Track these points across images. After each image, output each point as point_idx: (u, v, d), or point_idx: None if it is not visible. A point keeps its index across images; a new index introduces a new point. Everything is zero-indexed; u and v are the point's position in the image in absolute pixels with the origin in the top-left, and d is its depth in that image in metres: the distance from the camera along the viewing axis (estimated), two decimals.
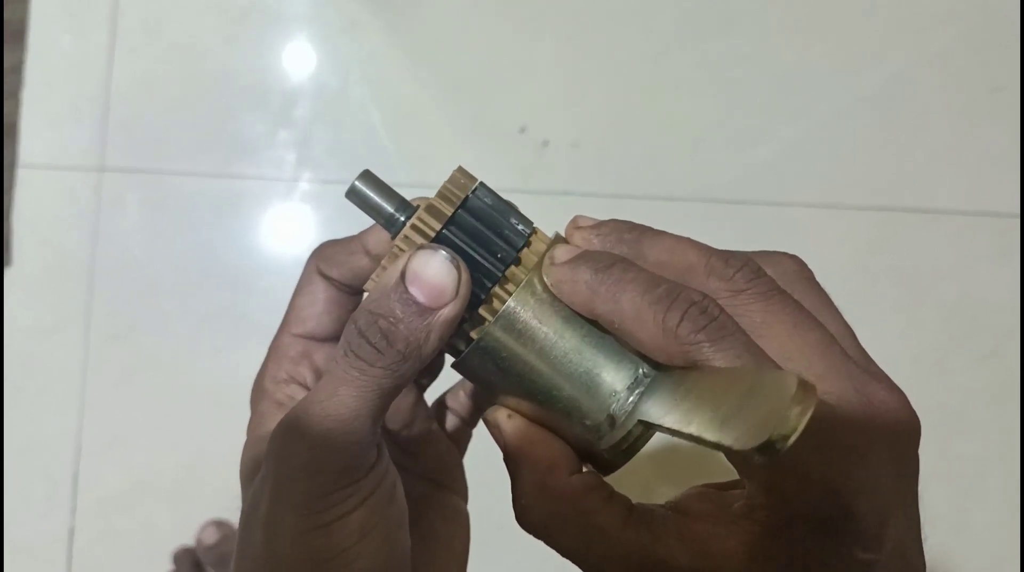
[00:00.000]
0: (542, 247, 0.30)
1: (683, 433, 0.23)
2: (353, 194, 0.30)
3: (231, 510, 1.01)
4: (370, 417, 0.27)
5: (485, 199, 0.30)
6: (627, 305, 0.26)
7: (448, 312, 0.27)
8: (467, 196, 0.30)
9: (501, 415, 0.30)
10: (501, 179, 1.06)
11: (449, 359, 0.32)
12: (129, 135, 1.04)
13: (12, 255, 1.01)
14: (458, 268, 0.27)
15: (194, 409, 1.02)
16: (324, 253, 0.33)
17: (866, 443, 0.25)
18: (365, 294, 0.29)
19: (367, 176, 0.30)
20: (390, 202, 0.30)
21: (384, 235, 0.31)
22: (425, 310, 0.27)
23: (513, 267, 0.29)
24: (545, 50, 1.08)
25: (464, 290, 0.27)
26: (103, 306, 1.02)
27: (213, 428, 1.02)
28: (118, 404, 1.01)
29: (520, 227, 0.30)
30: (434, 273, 0.27)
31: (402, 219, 0.30)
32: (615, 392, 0.28)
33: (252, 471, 0.31)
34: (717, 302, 0.26)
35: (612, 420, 0.28)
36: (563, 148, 1.05)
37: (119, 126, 1.04)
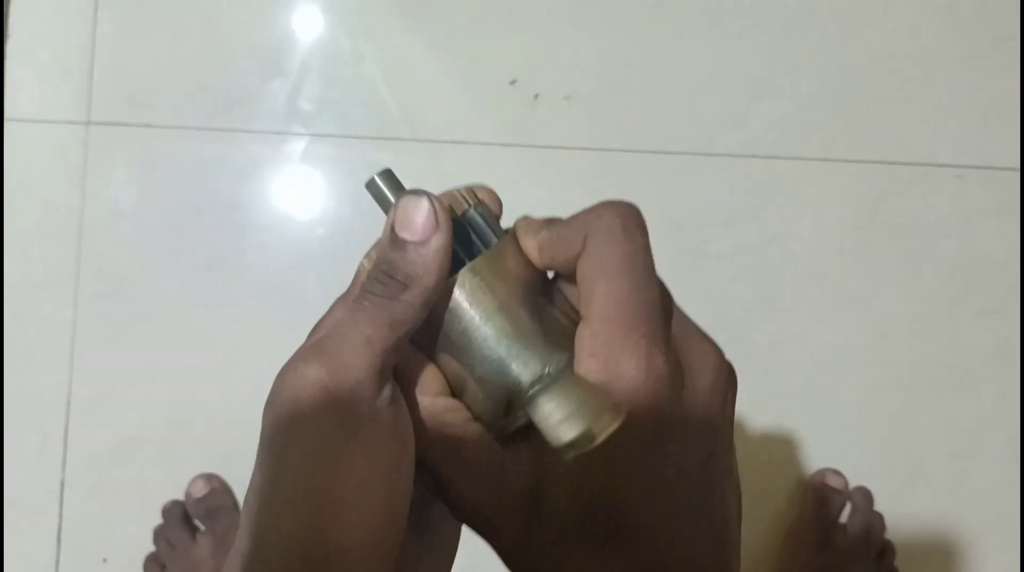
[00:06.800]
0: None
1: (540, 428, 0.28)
2: (371, 187, 0.33)
3: (220, 464, 1.01)
4: (382, 346, 0.29)
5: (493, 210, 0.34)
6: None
7: (437, 241, 0.30)
8: (479, 200, 0.33)
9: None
10: (491, 133, 1.04)
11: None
12: (116, 88, 1.02)
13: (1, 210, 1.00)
14: (431, 201, 0.30)
15: (184, 364, 1.01)
16: None
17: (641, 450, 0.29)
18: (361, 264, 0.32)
19: (387, 174, 0.33)
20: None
21: None
22: (416, 245, 0.30)
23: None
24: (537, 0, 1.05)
25: (443, 218, 0.30)
26: (93, 261, 1.01)
27: (203, 383, 1.01)
28: (109, 359, 1.01)
29: None
30: (413, 210, 0.30)
31: None
32: (519, 384, 0.30)
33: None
34: None
35: (509, 407, 0.31)
36: (555, 101, 1.03)
37: (106, 78, 1.02)
